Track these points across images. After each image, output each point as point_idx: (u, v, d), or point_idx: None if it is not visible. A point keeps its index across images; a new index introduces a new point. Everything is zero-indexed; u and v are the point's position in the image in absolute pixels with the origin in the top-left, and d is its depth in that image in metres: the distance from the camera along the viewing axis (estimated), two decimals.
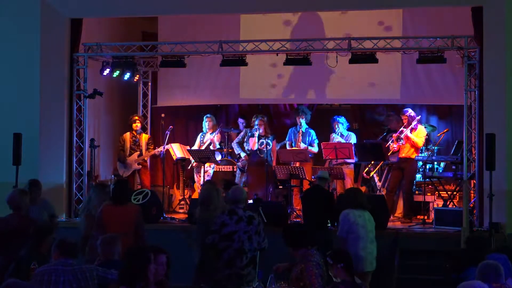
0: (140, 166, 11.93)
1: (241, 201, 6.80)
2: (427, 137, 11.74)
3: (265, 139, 11.34)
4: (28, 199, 7.39)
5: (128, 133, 12.01)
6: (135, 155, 11.87)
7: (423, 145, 11.34)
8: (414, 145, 10.91)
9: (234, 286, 6.44)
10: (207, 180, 10.92)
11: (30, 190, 7.88)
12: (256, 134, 11.35)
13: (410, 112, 11.13)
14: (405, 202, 11.11)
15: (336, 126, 11.52)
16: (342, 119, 11.58)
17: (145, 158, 11.98)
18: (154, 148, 12.03)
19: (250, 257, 6.61)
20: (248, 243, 6.59)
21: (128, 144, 11.92)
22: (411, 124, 10.94)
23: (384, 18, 12.29)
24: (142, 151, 11.91)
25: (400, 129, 11.02)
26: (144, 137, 12.02)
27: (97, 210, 7.50)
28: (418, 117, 11.14)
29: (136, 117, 12.09)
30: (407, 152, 10.95)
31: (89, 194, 8.02)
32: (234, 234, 6.58)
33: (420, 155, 11.57)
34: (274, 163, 11.42)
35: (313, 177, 10.96)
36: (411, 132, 10.91)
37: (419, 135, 10.98)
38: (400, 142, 10.91)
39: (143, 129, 12.42)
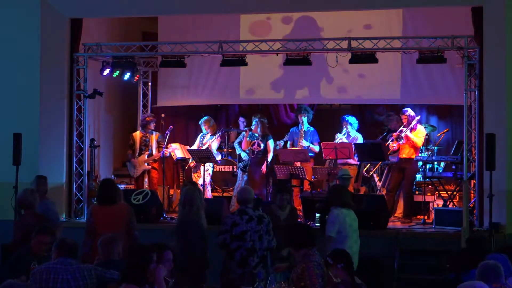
0: (150, 166, 11.83)
1: (249, 201, 6.87)
2: (427, 137, 11.74)
3: (257, 139, 11.31)
4: (38, 198, 7.47)
5: (138, 132, 11.89)
6: (144, 155, 11.77)
7: (423, 145, 11.34)
8: (413, 145, 10.90)
9: (248, 285, 6.46)
10: (187, 181, 10.85)
11: (38, 186, 8.02)
12: (247, 134, 11.33)
13: (410, 112, 11.11)
14: (405, 202, 11.10)
15: (345, 126, 11.46)
16: (352, 119, 11.47)
17: (155, 158, 11.86)
18: (165, 147, 11.88)
19: (261, 256, 6.66)
20: (259, 242, 6.66)
21: (138, 144, 11.80)
22: (410, 124, 10.93)
23: (384, 18, 12.29)
24: (152, 151, 11.80)
25: (400, 129, 11.02)
26: (154, 136, 11.89)
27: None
28: (418, 117, 11.12)
29: (150, 118, 11.92)
30: (407, 152, 10.94)
31: None
32: (245, 233, 6.66)
33: (420, 155, 11.58)
34: (267, 161, 11.34)
35: (313, 177, 10.95)
36: (410, 132, 10.90)
37: (419, 134, 10.97)
38: (401, 141, 10.89)
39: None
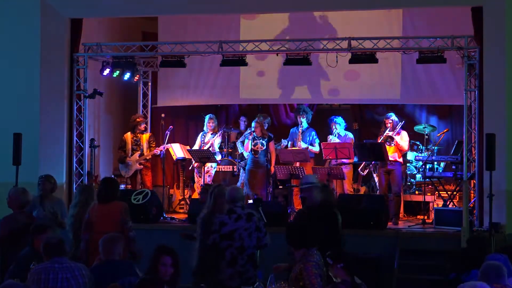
0: (142, 166, 11.90)
1: (239, 200, 6.80)
2: (427, 137, 11.74)
3: (259, 140, 11.32)
4: (30, 197, 7.45)
5: (129, 133, 11.97)
6: (136, 155, 11.84)
7: (408, 148, 11.29)
8: (400, 149, 10.86)
9: (236, 284, 6.44)
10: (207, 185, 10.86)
11: (43, 185, 8.00)
12: (251, 136, 11.34)
13: (394, 117, 11.08)
14: (393, 204, 10.95)
15: (334, 127, 11.49)
16: (339, 119, 11.53)
17: (147, 158, 11.93)
18: (157, 145, 11.97)
19: (249, 254, 6.62)
20: (248, 240, 6.60)
21: (129, 145, 11.88)
22: (395, 128, 10.91)
23: (384, 18, 12.29)
24: (143, 150, 11.87)
25: (385, 133, 10.96)
26: (145, 137, 11.97)
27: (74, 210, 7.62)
28: (402, 123, 11.06)
29: (140, 119, 12.03)
30: (392, 155, 10.87)
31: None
32: (234, 232, 6.60)
33: (420, 155, 11.58)
34: (272, 164, 11.37)
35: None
36: (396, 135, 10.90)
37: (404, 138, 10.94)
38: (392, 143, 10.84)
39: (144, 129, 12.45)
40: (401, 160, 10.97)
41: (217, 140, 11.87)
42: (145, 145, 11.88)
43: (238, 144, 11.92)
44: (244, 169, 11.62)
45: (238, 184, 11.60)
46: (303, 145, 11.48)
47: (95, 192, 7.64)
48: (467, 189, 9.96)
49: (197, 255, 6.90)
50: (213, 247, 6.65)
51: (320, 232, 6.25)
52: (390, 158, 10.85)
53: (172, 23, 13.17)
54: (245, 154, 11.66)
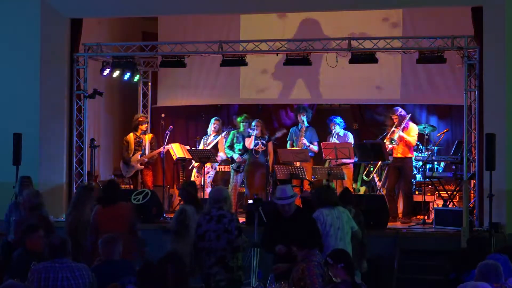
0: (143, 166, 11.90)
1: (220, 201, 6.79)
2: (426, 137, 11.75)
3: (260, 140, 11.34)
4: (42, 199, 7.47)
5: (131, 134, 11.98)
6: (137, 155, 11.85)
7: (417, 142, 11.29)
8: (408, 144, 10.88)
9: (206, 286, 6.50)
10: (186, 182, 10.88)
11: (21, 187, 8.01)
12: (254, 133, 11.34)
13: (401, 111, 11.06)
14: (404, 202, 11.06)
15: (333, 127, 11.50)
16: (338, 119, 11.54)
17: (147, 159, 11.93)
18: (158, 147, 11.99)
19: (218, 256, 6.63)
20: (215, 242, 6.63)
21: (132, 145, 11.89)
22: (402, 123, 10.91)
23: (384, 18, 12.28)
24: (145, 151, 11.88)
25: (392, 130, 10.97)
26: (148, 137, 12.00)
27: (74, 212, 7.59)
28: (409, 115, 11.07)
29: (143, 118, 12.06)
30: (402, 151, 10.91)
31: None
32: (205, 234, 6.68)
33: (420, 155, 11.58)
34: (271, 163, 11.37)
35: (313, 177, 10.97)
36: (402, 131, 10.88)
37: (411, 133, 10.92)
38: (394, 144, 10.84)
39: None
40: (410, 155, 10.96)
41: (221, 145, 11.85)
42: (147, 145, 11.90)
43: (226, 149, 11.80)
44: (236, 171, 11.56)
45: (230, 186, 11.58)
46: (305, 141, 11.46)
47: (97, 193, 7.64)
48: (467, 189, 9.95)
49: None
50: (193, 247, 6.79)
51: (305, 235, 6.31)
52: (399, 155, 10.84)
53: (172, 23, 13.17)
54: (235, 156, 11.56)
